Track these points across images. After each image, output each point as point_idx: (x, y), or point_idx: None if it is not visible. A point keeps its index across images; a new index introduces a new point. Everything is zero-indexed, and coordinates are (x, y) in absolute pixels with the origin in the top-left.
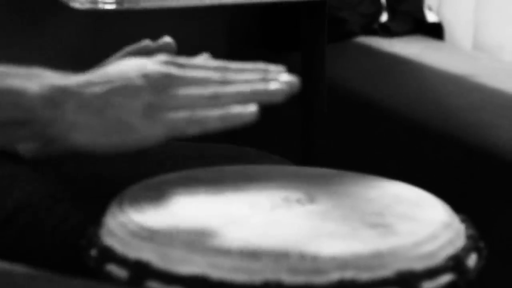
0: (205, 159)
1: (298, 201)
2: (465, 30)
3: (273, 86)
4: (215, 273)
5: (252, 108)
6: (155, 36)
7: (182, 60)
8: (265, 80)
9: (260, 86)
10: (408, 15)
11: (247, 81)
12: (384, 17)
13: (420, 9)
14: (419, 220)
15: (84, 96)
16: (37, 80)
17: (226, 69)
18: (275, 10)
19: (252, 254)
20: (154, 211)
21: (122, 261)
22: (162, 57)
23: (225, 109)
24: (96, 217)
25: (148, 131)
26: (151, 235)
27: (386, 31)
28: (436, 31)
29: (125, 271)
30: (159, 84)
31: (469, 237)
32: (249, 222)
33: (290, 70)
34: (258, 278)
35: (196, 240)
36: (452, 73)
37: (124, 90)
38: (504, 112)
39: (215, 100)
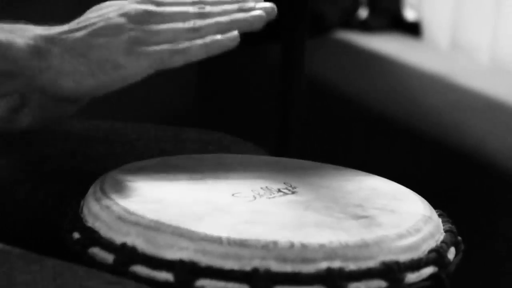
0: (177, 141)
1: (279, 190)
2: (443, 29)
3: (251, 14)
4: (204, 259)
5: (233, 34)
6: None
7: None
8: (242, 9)
9: (238, 16)
10: (387, 12)
11: (225, 12)
12: (364, 13)
13: (399, 6)
14: (400, 213)
15: (67, 41)
16: (21, 32)
17: (202, 3)
18: None
19: (241, 241)
20: (138, 196)
21: (108, 244)
22: None
23: (207, 38)
24: (68, 194)
25: (134, 66)
26: (137, 219)
27: (365, 26)
28: (414, 29)
29: (110, 254)
30: (139, 20)
31: (447, 231)
32: (233, 210)
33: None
34: (247, 265)
35: (184, 225)
36: (428, 72)
37: (105, 30)
38: (479, 112)
39: (196, 33)
